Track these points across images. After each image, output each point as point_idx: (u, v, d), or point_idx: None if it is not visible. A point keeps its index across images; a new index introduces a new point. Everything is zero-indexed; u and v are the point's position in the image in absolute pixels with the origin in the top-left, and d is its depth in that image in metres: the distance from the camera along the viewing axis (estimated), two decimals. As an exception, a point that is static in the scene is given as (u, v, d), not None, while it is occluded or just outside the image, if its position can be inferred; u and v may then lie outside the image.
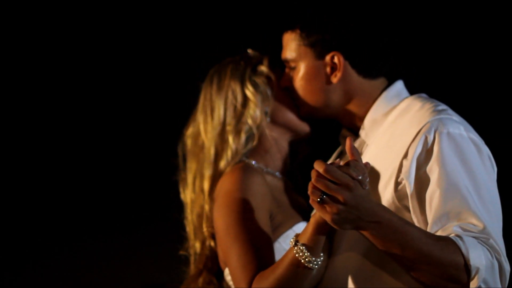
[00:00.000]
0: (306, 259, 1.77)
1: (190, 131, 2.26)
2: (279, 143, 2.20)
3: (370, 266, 1.89)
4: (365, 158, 1.98)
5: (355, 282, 1.92)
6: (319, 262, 1.79)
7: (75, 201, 3.08)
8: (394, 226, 1.64)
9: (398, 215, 1.69)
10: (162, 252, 3.06)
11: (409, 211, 1.83)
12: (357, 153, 1.66)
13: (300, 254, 1.77)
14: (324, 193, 1.59)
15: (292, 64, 2.08)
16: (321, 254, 1.80)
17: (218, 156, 2.17)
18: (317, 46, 2.02)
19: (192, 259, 2.25)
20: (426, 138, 1.81)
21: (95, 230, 3.08)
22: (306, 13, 2.04)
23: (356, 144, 2.07)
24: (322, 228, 1.75)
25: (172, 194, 3.02)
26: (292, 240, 1.80)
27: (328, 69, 2.02)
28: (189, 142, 2.26)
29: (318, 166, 1.59)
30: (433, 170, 1.78)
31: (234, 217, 2.01)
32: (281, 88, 2.17)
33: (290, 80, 2.12)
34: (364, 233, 1.66)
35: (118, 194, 3.08)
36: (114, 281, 3.05)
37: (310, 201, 1.62)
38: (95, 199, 3.08)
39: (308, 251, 1.77)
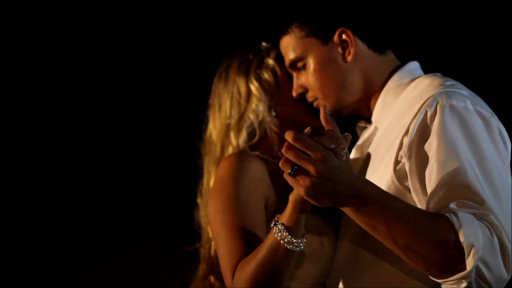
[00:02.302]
0: (286, 240, 1.66)
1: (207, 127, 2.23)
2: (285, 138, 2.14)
3: (369, 255, 1.81)
4: (373, 142, 1.93)
5: (356, 271, 1.84)
6: (301, 244, 1.69)
7: (75, 201, 3.07)
8: (378, 202, 1.50)
9: (386, 191, 1.56)
10: (162, 252, 3.06)
11: (410, 192, 1.70)
12: (332, 122, 1.53)
13: (279, 234, 1.66)
14: (295, 164, 1.49)
15: (300, 64, 1.99)
16: (304, 236, 1.70)
17: (222, 152, 2.13)
18: (320, 31, 1.92)
19: (201, 260, 2.20)
20: (426, 112, 1.67)
21: (95, 230, 3.07)
22: (296, 7, 1.97)
23: (369, 130, 1.99)
24: (300, 206, 1.64)
25: (172, 194, 3.04)
26: (273, 220, 1.70)
27: (339, 49, 1.92)
28: (205, 138, 2.23)
29: (288, 135, 1.48)
30: (432, 144, 1.63)
31: (224, 202, 1.91)
32: (288, 84, 2.10)
33: (302, 84, 2.02)
34: (347, 210, 1.53)
35: (118, 194, 3.08)
36: (114, 281, 3.04)
37: (284, 175, 1.51)
38: (95, 199, 3.08)
39: (287, 231, 1.66)
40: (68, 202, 3.07)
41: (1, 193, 3.03)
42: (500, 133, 1.68)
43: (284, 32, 2.00)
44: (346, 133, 1.56)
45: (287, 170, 1.50)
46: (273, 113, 2.13)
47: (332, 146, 1.48)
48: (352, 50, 1.91)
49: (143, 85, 3.10)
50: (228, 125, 2.13)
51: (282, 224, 1.67)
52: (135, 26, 3.05)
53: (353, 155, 2.03)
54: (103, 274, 3.06)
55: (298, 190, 1.51)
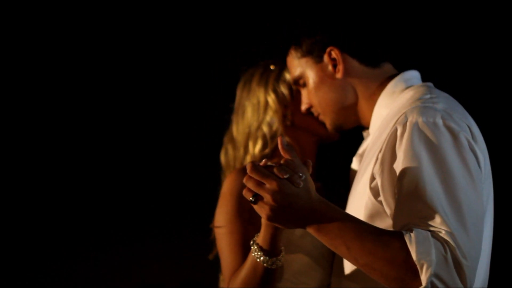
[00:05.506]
0: (261, 259, 1.79)
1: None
2: (302, 146, 2.22)
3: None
4: (365, 153, 1.96)
5: (347, 274, 1.90)
6: (278, 261, 1.80)
7: (75, 201, 3.08)
8: (336, 224, 1.57)
9: (346, 213, 1.62)
10: (162, 252, 3.07)
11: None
12: (291, 151, 1.61)
13: (256, 254, 1.80)
14: (256, 193, 1.57)
15: (301, 81, 2.08)
16: (280, 254, 1.80)
17: (241, 159, 2.25)
18: (313, 51, 2.01)
19: None
20: (396, 129, 1.71)
21: (95, 230, 3.08)
22: (292, 30, 2.05)
23: (367, 140, 2.04)
24: (270, 228, 1.75)
25: (173, 194, 3.04)
26: (252, 240, 1.83)
27: (330, 68, 1.99)
28: (226, 141, 2.34)
29: (247, 166, 1.57)
30: (399, 162, 1.67)
31: (223, 218, 2.08)
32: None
33: (306, 101, 2.11)
34: (310, 231, 1.61)
35: (119, 194, 3.08)
36: (114, 281, 3.05)
37: (249, 202, 1.60)
38: (95, 199, 3.08)
39: (262, 251, 1.79)
40: (69, 202, 3.08)
41: (1, 193, 3.04)
42: (471, 147, 1.68)
43: (285, 53, 2.11)
44: (306, 160, 1.63)
45: (248, 198, 1.58)
46: (288, 123, 2.23)
47: (286, 176, 1.55)
48: (341, 68, 1.98)
49: (147, 86, 3.11)
50: (249, 133, 2.24)
51: (257, 244, 1.80)
52: (138, 27, 3.06)
53: (353, 163, 2.10)
54: (103, 274, 3.07)
55: (261, 215, 1.60)
